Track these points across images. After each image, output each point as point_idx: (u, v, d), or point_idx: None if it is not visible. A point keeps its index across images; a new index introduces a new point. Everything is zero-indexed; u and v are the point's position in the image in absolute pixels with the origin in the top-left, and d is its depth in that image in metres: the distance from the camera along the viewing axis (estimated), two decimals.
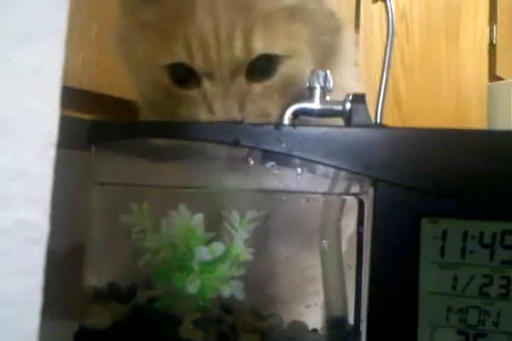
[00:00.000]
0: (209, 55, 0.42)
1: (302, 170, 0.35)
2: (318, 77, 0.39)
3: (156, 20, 0.45)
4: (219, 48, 0.42)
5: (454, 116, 1.25)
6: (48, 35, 0.18)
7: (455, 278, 0.31)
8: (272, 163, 0.36)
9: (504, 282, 0.31)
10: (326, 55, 0.47)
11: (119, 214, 0.38)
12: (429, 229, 0.32)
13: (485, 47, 1.39)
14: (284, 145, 0.34)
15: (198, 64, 0.43)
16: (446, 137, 0.33)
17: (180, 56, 0.43)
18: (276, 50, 0.43)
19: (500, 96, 1.38)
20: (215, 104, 0.42)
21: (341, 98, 0.38)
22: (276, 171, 0.35)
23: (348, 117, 0.37)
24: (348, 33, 0.52)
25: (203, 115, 0.43)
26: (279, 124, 0.36)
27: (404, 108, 1.09)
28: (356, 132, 0.34)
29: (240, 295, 0.36)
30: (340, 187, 0.35)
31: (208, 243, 0.37)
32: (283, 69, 0.44)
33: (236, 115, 0.42)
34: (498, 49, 1.43)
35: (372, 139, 0.34)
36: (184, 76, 0.44)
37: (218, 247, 0.37)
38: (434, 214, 0.32)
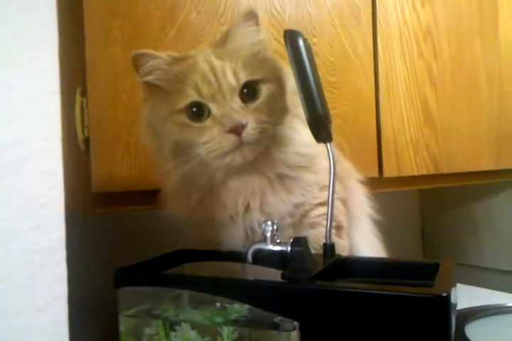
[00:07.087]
0: (211, 83, 0.60)
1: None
2: (268, 226, 0.52)
3: (166, 84, 0.63)
4: (216, 78, 0.60)
5: (497, 115, 1.24)
6: None
7: None
8: None
9: None
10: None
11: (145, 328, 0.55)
12: None
13: None
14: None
15: (204, 93, 0.60)
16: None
17: (192, 95, 0.60)
18: (255, 76, 0.62)
19: None
20: (223, 118, 0.60)
21: None
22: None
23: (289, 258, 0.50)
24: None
25: (216, 135, 0.59)
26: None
27: (438, 125, 1.12)
28: (288, 286, 0.48)
29: None
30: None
31: None
32: (265, 91, 0.62)
33: (241, 121, 0.59)
34: None
35: (300, 290, 0.47)
36: (197, 112, 0.61)
37: None
38: None
